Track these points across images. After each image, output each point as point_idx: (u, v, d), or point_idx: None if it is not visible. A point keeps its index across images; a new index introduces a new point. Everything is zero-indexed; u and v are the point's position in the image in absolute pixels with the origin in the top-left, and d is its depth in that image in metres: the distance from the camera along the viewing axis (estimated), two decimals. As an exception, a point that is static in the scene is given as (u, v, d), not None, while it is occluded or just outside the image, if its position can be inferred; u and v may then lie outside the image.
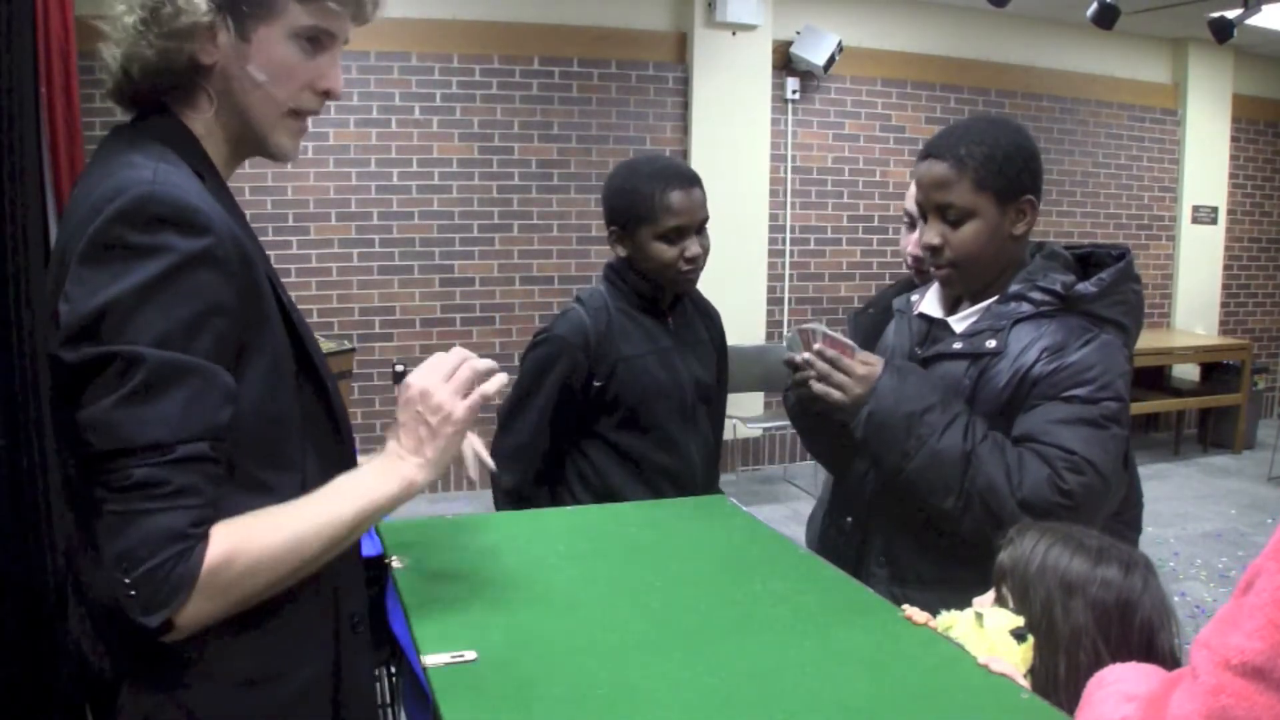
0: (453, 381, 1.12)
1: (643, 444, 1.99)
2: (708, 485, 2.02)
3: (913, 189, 1.96)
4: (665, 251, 1.92)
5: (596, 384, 1.96)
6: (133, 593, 0.93)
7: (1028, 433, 1.50)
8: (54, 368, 0.99)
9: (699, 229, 1.95)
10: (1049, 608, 1.15)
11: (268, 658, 1.07)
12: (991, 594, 1.25)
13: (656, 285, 1.98)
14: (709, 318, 2.16)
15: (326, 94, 1.12)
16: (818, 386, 1.57)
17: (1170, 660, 1.13)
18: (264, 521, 1.02)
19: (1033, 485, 1.45)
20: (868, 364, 1.57)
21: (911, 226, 1.97)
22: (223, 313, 0.99)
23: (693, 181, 1.94)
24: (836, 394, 1.56)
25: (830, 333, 1.62)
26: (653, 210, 1.89)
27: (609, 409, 1.98)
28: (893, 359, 1.63)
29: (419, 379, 1.12)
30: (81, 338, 0.94)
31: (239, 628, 1.02)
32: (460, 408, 1.11)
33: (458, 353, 1.15)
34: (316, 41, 1.09)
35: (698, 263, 1.95)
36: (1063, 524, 1.26)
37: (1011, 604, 1.19)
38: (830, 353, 1.58)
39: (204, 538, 0.97)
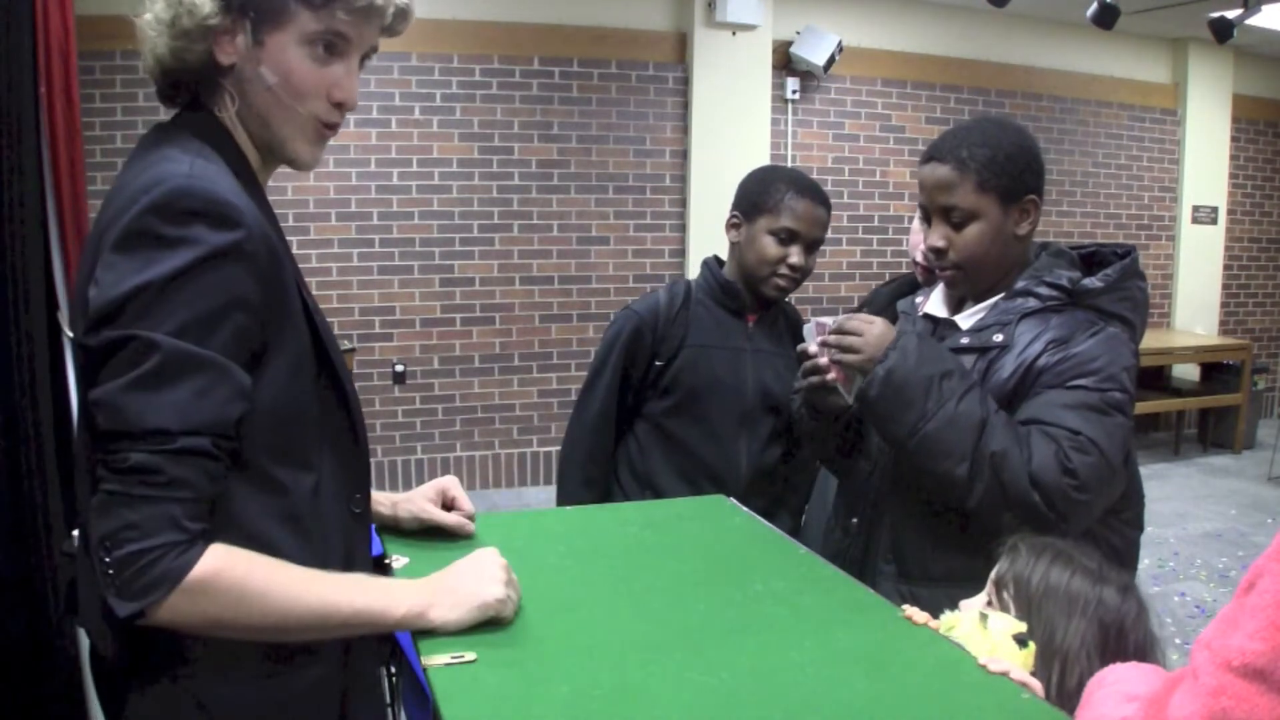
0: (503, 575, 1.14)
1: (691, 434, 2.03)
2: (751, 499, 1.85)
3: None
4: (771, 248, 1.99)
5: (658, 363, 2.03)
6: (111, 572, 0.94)
7: (1032, 416, 1.50)
8: (80, 351, 1.00)
9: (809, 245, 2.01)
10: (1049, 622, 1.16)
11: (277, 653, 1.07)
12: (983, 597, 1.25)
13: (745, 285, 2.04)
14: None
15: (340, 105, 1.12)
16: (834, 354, 1.56)
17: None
18: (268, 563, 1.02)
19: (1041, 460, 1.44)
20: (876, 322, 1.56)
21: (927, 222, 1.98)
22: (246, 308, 1.00)
23: (823, 201, 2.02)
24: (851, 355, 1.54)
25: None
26: (777, 205, 1.98)
27: (665, 391, 2.03)
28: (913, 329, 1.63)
29: (489, 555, 1.17)
30: (104, 322, 0.96)
31: None
32: (493, 594, 1.12)
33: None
34: (331, 48, 1.10)
35: (795, 273, 2.01)
36: (1061, 541, 1.27)
37: (1013, 612, 1.19)
38: (841, 322, 1.58)
39: (202, 540, 0.97)
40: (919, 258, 1.97)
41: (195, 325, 0.96)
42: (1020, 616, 1.18)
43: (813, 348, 1.63)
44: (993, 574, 1.25)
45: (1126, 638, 1.16)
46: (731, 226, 2.07)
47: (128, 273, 0.95)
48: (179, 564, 0.95)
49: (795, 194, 1.99)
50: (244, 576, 0.99)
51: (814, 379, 1.63)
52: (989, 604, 1.23)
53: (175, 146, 1.05)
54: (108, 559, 0.94)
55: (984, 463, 1.45)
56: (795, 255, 1.99)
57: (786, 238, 1.98)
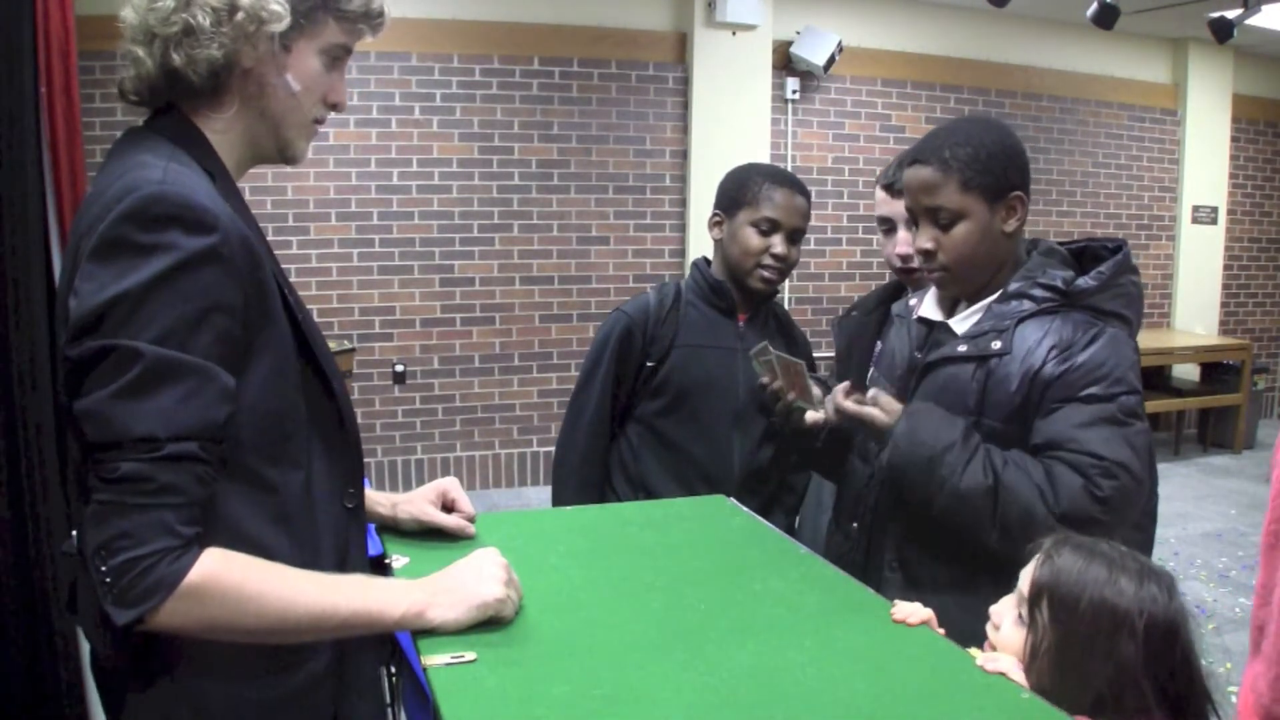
0: (502, 575, 1.15)
1: (684, 434, 2.03)
2: (744, 498, 1.84)
3: (880, 195, 1.98)
4: (754, 240, 2.00)
5: (649, 364, 2.03)
6: (108, 580, 0.94)
7: (1052, 439, 1.48)
8: (63, 362, 1.00)
9: (791, 235, 2.02)
10: (1092, 642, 1.09)
11: (271, 653, 1.07)
12: (1011, 606, 1.20)
13: (734, 282, 2.05)
14: (793, 340, 2.15)
15: (334, 107, 1.18)
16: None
17: (1199, 670, 1.11)
18: (264, 566, 1.02)
19: (1069, 499, 1.42)
20: (888, 410, 1.57)
21: (889, 233, 1.98)
22: (226, 311, 1.00)
23: (800, 190, 2.04)
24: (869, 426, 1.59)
25: (783, 355, 1.75)
26: (755, 197, 2.00)
27: (657, 392, 2.03)
28: (904, 391, 1.65)
29: (489, 555, 1.17)
30: (85, 332, 0.96)
31: None
32: (492, 594, 1.13)
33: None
34: (337, 59, 1.16)
35: (780, 263, 2.01)
36: (1094, 540, 1.20)
37: (1042, 627, 1.13)
38: (850, 409, 1.61)
39: (196, 545, 0.97)
40: (897, 263, 1.97)
41: (176, 330, 0.96)
42: (1056, 632, 1.12)
43: (765, 378, 1.75)
44: (1024, 586, 1.18)
45: (1175, 636, 1.10)
46: (714, 225, 2.09)
47: (106, 282, 0.95)
48: (174, 569, 0.95)
49: (773, 184, 2.01)
50: (240, 580, 0.99)
51: (779, 406, 1.73)
52: (1019, 616, 1.18)
53: (148, 152, 1.05)
54: (104, 568, 0.94)
55: (1012, 528, 1.43)
56: (778, 245, 1.99)
57: (768, 228, 1.99)
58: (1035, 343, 1.52)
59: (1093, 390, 1.47)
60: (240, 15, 1.05)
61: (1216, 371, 6.81)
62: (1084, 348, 1.49)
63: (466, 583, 1.12)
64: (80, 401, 0.96)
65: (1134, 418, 1.48)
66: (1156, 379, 6.71)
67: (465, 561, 1.17)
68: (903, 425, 1.53)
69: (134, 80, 1.11)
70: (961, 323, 1.62)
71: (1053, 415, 1.49)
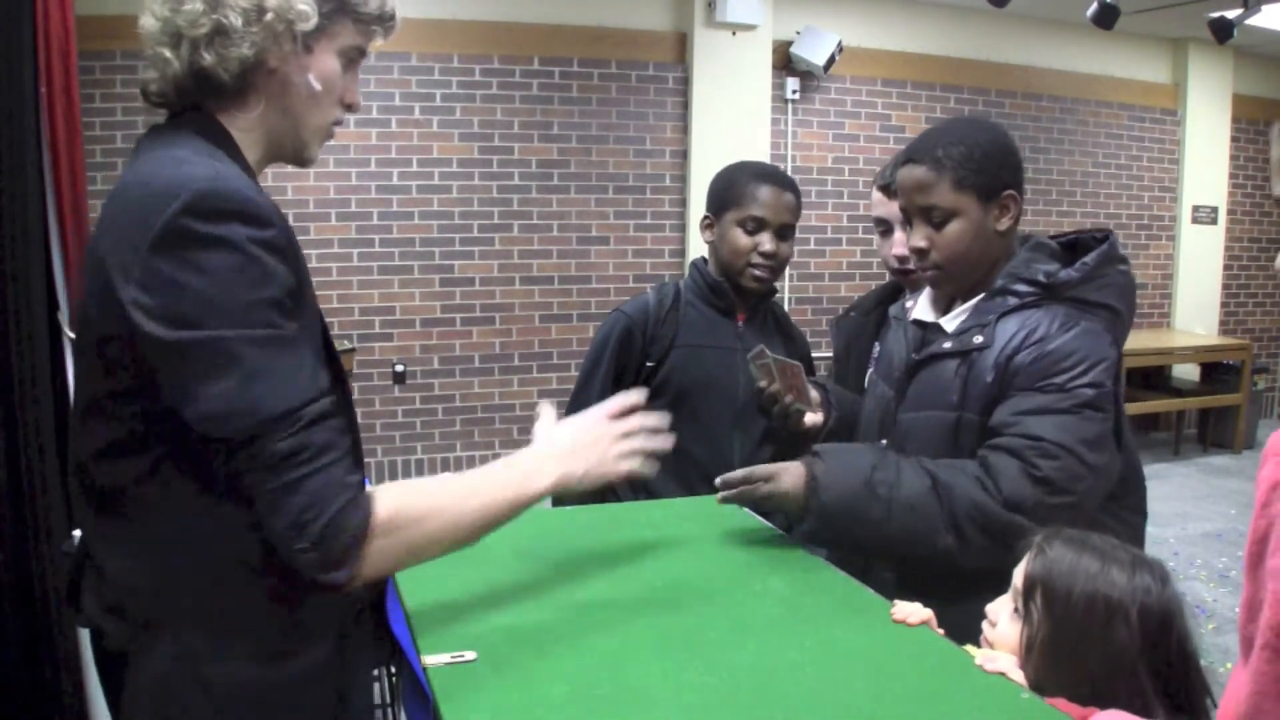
0: (616, 449, 1.29)
1: (684, 433, 2.00)
2: None
3: (877, 196, 1.98)
4: (742, 239, 2.01)
5: (649, 364, 2.04)
6: (313, 554, 0.99)
7: (998, 423, 1.48)
8: (112, 347, 1.02)
9: (780, 231, 2.03)
10: (1086, 632, 1.10)
11: (278, 636, 1.09)
12: (1007, 602, 1.20)
13: (729, 282, 2.05)
14: (791, 339, 2.16)
15: (349, 108, 1.21)
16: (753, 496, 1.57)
17: (1195, 661, 1.11)
18: (425, 486, 1.12)
19: (1009, 482, 1.42)
20: (784, 471, 1.53)
21: (886, 234, 1.98)
22: (292, 297, 1.04)
23: (788, 186, 2.05)
24: (773, 504, 1.56)
25: (779, 358, 1.75)
26: (742, 197, 2.01)
27: (657, 392, 2.02)
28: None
29: (603, 429, 1.31)
30: (172, 325, 0.97)
31: (252, 604, 1.06)
32: (616, 470, 1.28)
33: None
34: (353, 60, 1.18)
35: (770, 260, 2.02)
36: (1084, 533, 1.20)
37: (1037, 619, 1.14)
38: (751, 491, 1.54)
39: (367, 489, 1.04)
40: (894, 264, 1.97)
41: (264, 313, 0.99)
42: (1050, 622, 1.12)
43: (763, 382, 1.76)
44: (1017, 580, 1.19)
45: (1171, 624, 1.11)
46: (705, 227, 2.10)
47: (178, 276, 0.97)
48: (362, 515, 1.01)
49: (757, 182, 2.01)
50: (417, 501, 1.07)
51: (776, 409, 1.73)
52: (1014, 610, 1.18)
53: (185, 148, 1.06)
54: (299, 545, 0.99)
55: (963, 524, 1.43)
56: (766, 242, 2.00)
57: (754, 227, 2.00)
58: (1013, 333, 1.51)
59: (1052, 380, 1.47)
60: (269, 15, 1.07)
61: (1216, 371, 6.81)
62: (1055, 339, 1.49)
63: (590, 459, 1.25)
64: (199, 405, 0.98)
65: (1088, 408, 1.46)
66: (1156, 379, 6.71)
67: (585, 429, 1.28)
68: (820, 466, 1.50)
69: (159, 82, 1.12)
70: (952, 322, 1.62)
71: (1007, 401, 1.49)
